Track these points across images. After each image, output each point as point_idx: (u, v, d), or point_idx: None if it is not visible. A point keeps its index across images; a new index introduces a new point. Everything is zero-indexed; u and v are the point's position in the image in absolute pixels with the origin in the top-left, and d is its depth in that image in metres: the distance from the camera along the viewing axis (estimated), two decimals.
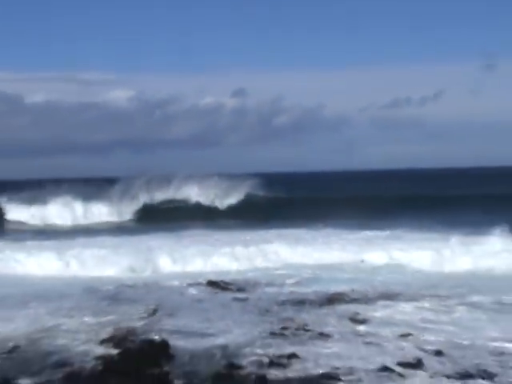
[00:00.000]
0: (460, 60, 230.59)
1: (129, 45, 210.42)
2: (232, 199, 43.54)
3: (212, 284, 19.15)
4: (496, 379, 10.40)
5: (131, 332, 13.42)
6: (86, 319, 14.72)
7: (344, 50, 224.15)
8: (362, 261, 21.66)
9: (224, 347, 12.37)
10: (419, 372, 10.79)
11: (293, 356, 11.71)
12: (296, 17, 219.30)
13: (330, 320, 14.53)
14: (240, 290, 18.49)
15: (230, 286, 18.90)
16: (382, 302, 16.23)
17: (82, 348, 12.42)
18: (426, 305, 15.86)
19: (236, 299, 17.16)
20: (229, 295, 17.78)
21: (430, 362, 11.29)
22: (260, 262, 21.53)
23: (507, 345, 12.30)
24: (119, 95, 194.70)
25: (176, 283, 19.24)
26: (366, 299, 16.66)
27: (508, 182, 66.69)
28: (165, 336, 12.88)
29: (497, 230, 22.81)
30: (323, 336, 13.21)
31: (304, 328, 13.84)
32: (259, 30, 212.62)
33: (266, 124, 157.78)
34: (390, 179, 78.48)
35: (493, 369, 10.89)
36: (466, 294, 16.90)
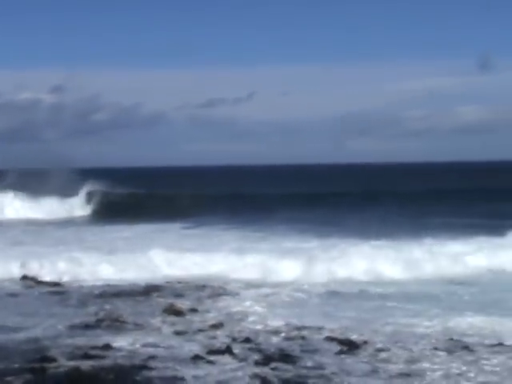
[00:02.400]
0: (272, 63, 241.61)
1: None
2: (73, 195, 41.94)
3: (26, 278, 18.89)
4: (297, 363, 11.19)
5: None
6: None
7: (160, 51, 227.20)
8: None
9: (37, 340, 12.39)
10: (228, 359, 11.37)
11: (107, 347, 11.94)
12: (116, 16, 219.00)
13: (145, 311, 14.90)
14: (56, 284, 18.40)
15: (45, 281, 18.73)
16: (195, 294, 16.81)
17: None
18: (239, 297, 16.58)
19: (52, 293, 17.12)
20: (44, 289, 17.67)
21: (239, 348, 11.93)
22: (81, 257, 21.26)
23: (309, 331, 13.19)
24: None
25: None
26: (180, 292, 17.16)
27: (315, 180, 69.96)
28: None
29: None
30: (137, 327, 13.55)
31: (119, 319, 14.11)
32: (79, 27, 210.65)
33: (84, 120, 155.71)
34: (206, 176, 79.61)
35: (294, 353, 11.70)
36: (274, 287, 17.69)
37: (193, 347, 12.06)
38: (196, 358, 11.35)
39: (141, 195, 43.72)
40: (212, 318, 14.40)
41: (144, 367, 10.86)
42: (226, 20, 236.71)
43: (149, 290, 17.25)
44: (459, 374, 10.60)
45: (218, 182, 64.47)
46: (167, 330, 13.41)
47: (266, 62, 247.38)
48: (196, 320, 14.22)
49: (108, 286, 17.98)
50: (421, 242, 21.53)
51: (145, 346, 12.13)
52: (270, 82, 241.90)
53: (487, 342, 12.28)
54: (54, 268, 19.97)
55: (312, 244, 22.50)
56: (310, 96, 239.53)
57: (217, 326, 13.62)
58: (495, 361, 11.22)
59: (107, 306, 15.36)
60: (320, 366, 10.99)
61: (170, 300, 16.02)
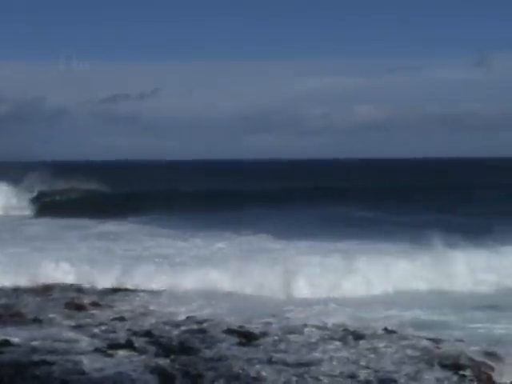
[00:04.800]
0: (176, 60, 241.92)
1: None
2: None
3: None
4: (197, 355, 11.38)
5: None
6: None
7: (61, 45, 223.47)
8: None
9: None
10: (128, 352, 11.44)
11: (5, 343, 11.79)
12: (18, 8, 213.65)
13: (46, 306, 14.78)
14: None
15: None
16: (98, 290, 16.73)
17: None
18: (142, 292, 16.59)
19: None
20: None
21: (139, 342, 12.01)
22: None
23: (210, 324, 13.43)
24: None
25: None
26: (83, 287, 17.01)
27: (221, 177, 69.79)
28: None
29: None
30: (37, 321, 13.44)
31: (18, 314, 13.94)
32: None
33: None
34: (113, 171, 78.16)
35: (195, 345, 11.90)
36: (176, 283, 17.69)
37: (93, 341, 12.08)
38: (96, 351, 11.38)
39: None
40: (113, 312, 14.42)
41: (44, 362, 10.79)
42: (130, 16, 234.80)
43: (50, 286, 17.04)
44: (354, 362, 11.02)
45: (125, 178, 63.25)
46: (68, 324, 13.36)
47: (169, 59, 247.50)
48: (97, 314, 14.21)
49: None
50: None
51: (44, 340, 12.04)
52: (174, 78, 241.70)
53: (380, 332, 12.79)
54: None
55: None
56: (213, 93, 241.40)
57: (118, 320, 13.66)
58: (389, 349, 11.69)
59: (5, 301, 15.14)
60: (219, 357, 11.21)
61: (72, 295, 15.93)
